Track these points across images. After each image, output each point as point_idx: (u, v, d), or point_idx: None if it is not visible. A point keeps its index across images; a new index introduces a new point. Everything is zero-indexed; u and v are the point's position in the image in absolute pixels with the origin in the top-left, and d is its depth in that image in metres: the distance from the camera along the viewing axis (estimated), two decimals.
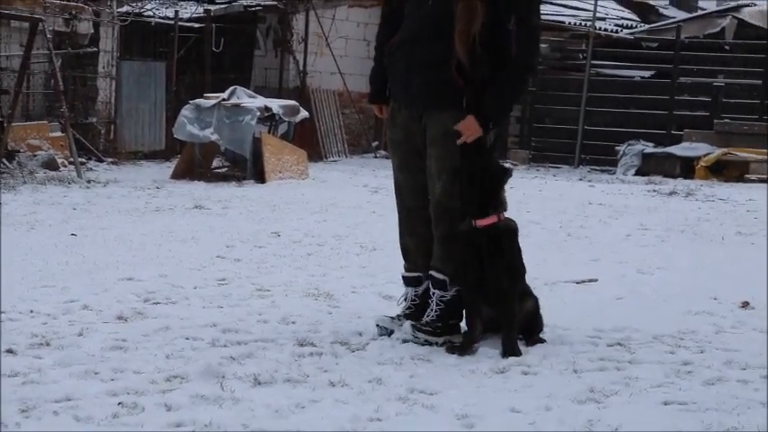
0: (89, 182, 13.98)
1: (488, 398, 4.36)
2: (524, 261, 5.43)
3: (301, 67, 21.43)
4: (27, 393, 4.14)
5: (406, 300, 5.61)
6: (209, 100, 15.54)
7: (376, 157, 21.43)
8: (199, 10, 20.70)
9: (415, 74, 5.34)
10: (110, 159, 17.41)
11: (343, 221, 10.60)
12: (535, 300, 5.52)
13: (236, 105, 15.29)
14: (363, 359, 4.97)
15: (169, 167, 16.39)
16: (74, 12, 17.84)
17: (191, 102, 15.68)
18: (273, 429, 3.88)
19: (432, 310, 5.40)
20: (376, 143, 22.38)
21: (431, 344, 5.25)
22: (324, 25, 21.71)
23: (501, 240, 5.27)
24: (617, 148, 20.26)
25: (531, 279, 7.34)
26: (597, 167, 20.66)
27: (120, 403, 4.06)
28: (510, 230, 5.34)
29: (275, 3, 21.23)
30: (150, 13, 20.13)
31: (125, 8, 19.55)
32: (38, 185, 13.32)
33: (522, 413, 4.16)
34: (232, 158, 15.68)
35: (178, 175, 15.28)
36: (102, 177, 14.75)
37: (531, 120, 22.76)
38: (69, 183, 13.82)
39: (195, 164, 15.43)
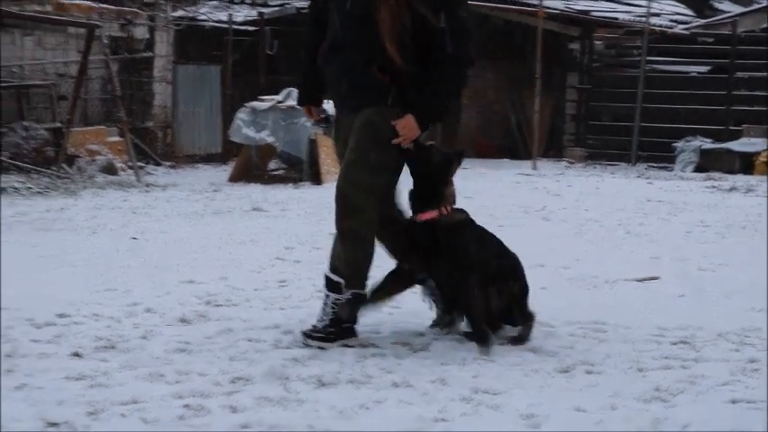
0: (148, 186, 14.11)
1: (553, 397, 4.33)
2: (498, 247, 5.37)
3: None
4: (94, 396, 4.18)
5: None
6: (265, 102, 15.61)
7: None
8: (252, 13, 20.80)
9: (342, 78, 5.30)
10: (167, 163, 17.56)
11: None
12: (520, 286, 5.39)
13: (292, 107, 15.32)
14: (426, 359, 4.96)
15: (226, 170, 16.49)
16: (129, 17, 18.02)
17: (246, 105, 15.77)
18: (338, 430, 3.88)
19: (325, 314, 5.23)
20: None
21: (325, 349, 5.09)
22: None
23: (440, 235, 5.18)
24: (674, 144, 20.10)
25: (591, 277, 7.36)
26: (655, 164, 20.50)
27: (186, 405, 4.08)
28: (452, 225, 5.24)
29: None
30: (204, 17, 20.26)
31: (180, 13, 19.69)
32: (98, 190, 13.47)
33: (587, 412, 4.13)
34: (288, 160, 15.74)
35: (235, 177, 15.38)
36: (160, 181, 14.88)
37: (586, 117, 22.63)
38: (128, 187, 13.96)
39: (252, 166, 15.52)
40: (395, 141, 5.15)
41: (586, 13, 22.78)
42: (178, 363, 4.75)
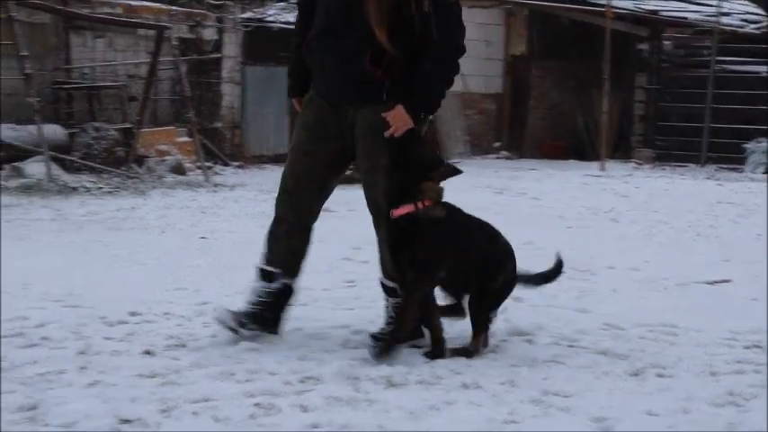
0: (216, 186, 14.22)
1: (624, 400, 4.30)
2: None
3: None
4: (166, 394, 4.21)
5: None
6: None
7: (499, 157, 21.33)
8: None
9: (333, 68, 5.07)
10: (235, 163, 17.68)
11: None
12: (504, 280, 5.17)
13: None
14: (495, 361, 4.95)
15: None
16: (198, 19, 18.17)
17: None
18: (408, 431, 3.88)
19: (390, 318, 5.23)
20: (498, 144, 22.30)
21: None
22: None
23: (411, 230, 4.91)
24: (745, 145, 19.84)
25: (661, 279, 7.29)
26: (725, 166, 20.26)
27: (256, 404, 4.10)
28: (428, 220, 4.94)
29: None
30: (272, 18, 20.36)
31: (248, 14, 19.81)
32: (167, 190, 13.60)
33: (659, 416, 4.10)
34: None
35: None
36: (228, 181, 14.99)
37: (655, 118, 22.43)
38: (197, 187, 14.08)
39: None
40: (387, 133, 4.92)
41: (655, 12, 22.57)
42: (248, 361, 4.77)
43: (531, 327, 5.61)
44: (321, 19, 5.13)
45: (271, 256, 5.35)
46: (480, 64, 22.19)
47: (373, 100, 5.01)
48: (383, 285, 5.31)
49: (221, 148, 18.09)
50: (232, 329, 5.18)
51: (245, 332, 5.17)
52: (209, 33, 18.51)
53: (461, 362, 4.89)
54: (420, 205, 4.95)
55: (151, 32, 16.35)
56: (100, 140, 15.16)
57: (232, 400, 4.15)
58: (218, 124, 18.59)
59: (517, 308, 6.04)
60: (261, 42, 19.37)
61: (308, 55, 5.21)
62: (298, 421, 3.94)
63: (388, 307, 5.27)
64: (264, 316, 5.26)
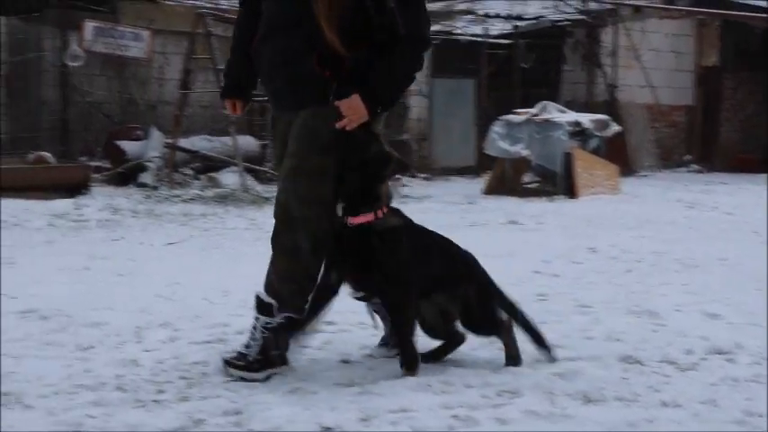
0: (404, 197, 14.34)
1: None
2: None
3: (610, 81, 21.19)
4: (365, 402, 4.27)
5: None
6: (520, 116, 15.63)
7: (689, 171, 20.89)
8: (507, 26, 20.88)
9: (277, 69, 4.71)
10: (423, 175, 17.81)
11: (659, 237, 10.39)
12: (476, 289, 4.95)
13: (547, 120, 15.31)
14: (694, 379, 4.83)
15: (480, 183, 16.58)
16: None
17: (501, 118, 15.83)
18: None
19: (253, 339, 4.71)
20: (688, 157, 21.84)
21: (247, 380, 4.61)
22: (633, 38, 21.41)
23: (373, 242, 4.58)
24: None
25: None
26: None
27: (454, 416, 4.12)
28: (387, 230, 4.62)
29: (583, 17, 21.12)
30: (460, 31, 20.46)
31: (436, 27, 19.95)
32: None
33: None
34: (542, 173, 15.71)
35: (490, 190, 15.45)
36: (416, 192, 15.11)
37: None
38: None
39: (506, 179, 15.54)
40: (339, 124, 4.53)
41: None
42: (443, 373, 4.79)
43: (729, 345, 5.47)
44: (266, 18, 4.78)
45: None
46: (670, 75, 21.84)
47: (316, 101, 4.62)
48: (258, 300, 4.77)
49: (408, 159, 18.25)
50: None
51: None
52: None
53: (658, 378, 4.80)
54: (380, 213, 4.62)
55: None
56: None
57: (430, 412, 4.17)
58: (406, 136, 18.77)
59: (714, 325, 5.91)
60: (448, 55, 19.47)
61: (255, 57, 4.85)
62: None
63: (255, 328, 4.76)
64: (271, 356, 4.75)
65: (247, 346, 4.73)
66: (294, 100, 4.69)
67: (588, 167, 15.19)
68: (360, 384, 4.58)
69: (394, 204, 4.75)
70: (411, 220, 4.81)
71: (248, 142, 15.68)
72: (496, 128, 15.61)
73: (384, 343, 5.17)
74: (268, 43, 4.74)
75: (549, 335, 5.65)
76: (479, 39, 19.93)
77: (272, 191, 13.91)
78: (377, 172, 4.62)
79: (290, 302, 4.68)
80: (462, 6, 21.52)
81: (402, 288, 4.66)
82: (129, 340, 5.50)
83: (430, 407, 4.24)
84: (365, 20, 4.59)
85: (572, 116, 15.93)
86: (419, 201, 14.08)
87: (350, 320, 5.94)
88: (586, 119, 15.99)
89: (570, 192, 14.85)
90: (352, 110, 4.53)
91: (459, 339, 5.08)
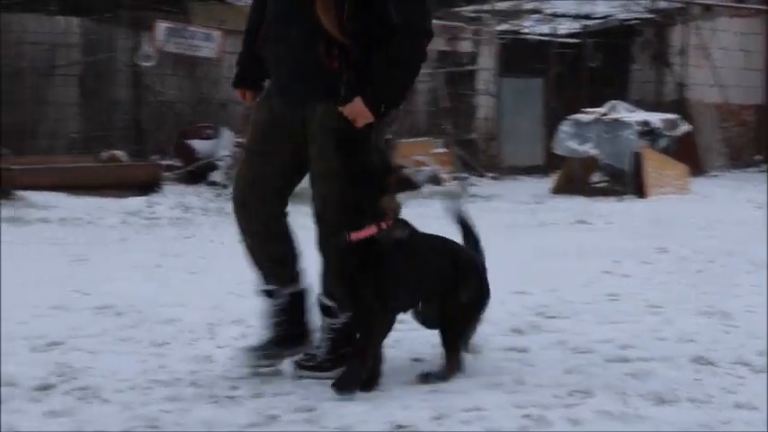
0: (472, 196, 14.35)
1: None
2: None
3: (679, 80, 21.01)
4: (437, 401, 4.28)
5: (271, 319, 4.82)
6: (588, 115, 15.56)
7: (759, 171, 20.64)
8: (575, 25, 20.78)
9: (284, 59, 4.59)
10: (490, 174, 17.79)
11: (730, 237, 10.29)
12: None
13: (616, 120, 15.23)
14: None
15: (548, 182, 16.52)
16: (455, 31, 18.39)
17: (569, 117, 15.77)
18: None
19: (322, 341, 4.74)
20: (758, 157, 21.58)
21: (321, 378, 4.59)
22: (702, 36, 21.20)
23: (372, 255, 4.40)
24: None
25: None
26: None
27: (526, 415, 4.12)
28: (391, 244, 4.44)
29: (652, 16, 20.96)
30: (528, 30, 20.40)
31: (504, 26, 19.92)
32: (423, 200, 13.78)
33: None
34: (611, 173, 15.61)
35: (558, 189, 15.39)
36: (484, 192, 15.11)
37: None
38: (453, 197, 14.21)
39: (574, 179, 15.48)
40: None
41: None
42: (515, 372, 4.80)
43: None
44: (272, 7, 4.68)
45: (261, 274, 4.84)
46: (739, 74, 21.60)
47: (328, 95, 4.50)
48: (321, 305, 4.78)
49: (476, 159, 18.24)
50: (266, 366, 4.77)
51: (285, 355, 4.77)
52: (465, 46, 18.71)
53: (731, 380, 4.75)
54: (383, 226, 4.43)
55: None
56: None
57: (501, 411, 4.18)
58: (473, 135, 18.76)
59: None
60: (516, 54, 19.44)
61: (262, 46, 4.76)
62: None
63: (324, 328, 4.79)
64: (289, 334, 4.81)
65: (317, 347, 4.79)
66: (301, 92, 4.59)
67: (658, 167, 15.08)
68: (431, 383, 4.59)
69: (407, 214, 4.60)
70: (416, 231, 4.61)
71: None
72: (565, 127, 15.55)
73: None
74: (273, 33, 4.65)
75: (619, 335, 5.65)
76: (547, 38, 19.86)
77: None
78: (379, 183, 4.42)
79: (346, 303, 4.66)
80: (530, 6, 21.45)
81: (385, 306, 4.48)
82: (203, 337, 5.57)
83: (502, 406, 4.25)
84: (363, 9, 4.42)
85: (641, 115, 15.83)
86: (487, 200, 14.07)
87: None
88: (656, 118, 15.88)
89: (639, 191, 14.75)
90: (356, 114, 4.42)
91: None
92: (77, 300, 6.48)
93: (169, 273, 7.90)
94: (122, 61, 17.01)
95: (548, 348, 5.33)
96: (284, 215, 4.79)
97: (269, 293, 4.82)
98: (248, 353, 4.80)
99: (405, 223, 4.54)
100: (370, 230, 4.40)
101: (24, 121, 15.26)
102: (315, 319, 4.86)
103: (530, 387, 4.56)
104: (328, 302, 4.73)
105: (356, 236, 4.41)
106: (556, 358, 5.12)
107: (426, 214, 11.92)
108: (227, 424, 4.01)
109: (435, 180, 15.64)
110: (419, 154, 16.34)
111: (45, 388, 4.50)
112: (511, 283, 7.36)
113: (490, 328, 5.79)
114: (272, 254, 4.77)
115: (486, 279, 4.89)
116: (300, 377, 4.70)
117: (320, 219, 4.62)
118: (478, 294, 4.82)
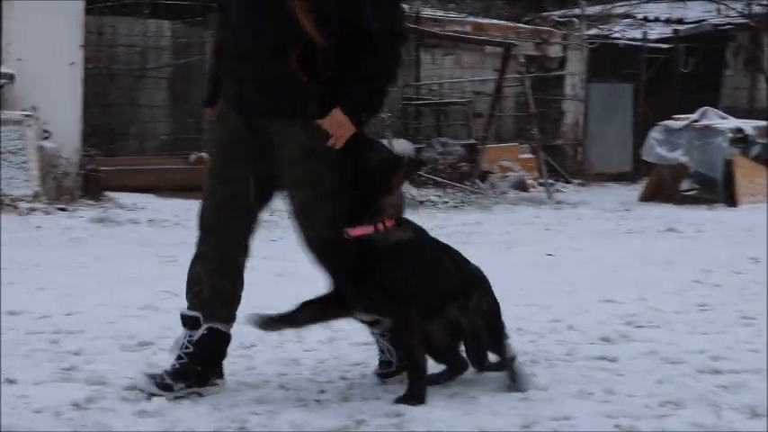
0: (558, 203, 14.26)
1: None
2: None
3: None
4: (526, 409, 4.25)
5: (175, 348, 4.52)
6: (679, 121, 15.36)
7: None
8: (666, 30, 20.52)
9: (248, 72, 4.28)
10: (577, 181, 17.65)
11: None
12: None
13: (707, 127, 15.01)
14: None
15: (636, 189, 16.34)
16: (545, 36, 18.28)
17: (659, 123, 15.58)
18: None
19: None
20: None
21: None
22: None
23: (371, 257, 4.27)
24: None
25: None
26: None
27: (617, 426, 4.07)
28: (388, 245, 4.30)
29: (746, 21, 20.62)
30: (618, 35, 20.19)
31: (593, 31, 19.74)
32: (509, 206, 13.75)
33: None
34: (701, 181, 15.38)
35: (646, 197, 15.21)
36: (570, 198, 14.98)
37: None
38: (539, 203, 14.16)
39: (664, 186, 15.28)
40: (329, 142, 4.21)
41: None
42: (605, 381, 4.74)
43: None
44: (234, 20, 4.33)
45: (193, 299, 4.53)
46: None
47: (299, 113, 4.25)
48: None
49: (563, 165, 18.10)
50: (156, 395, 4.34)
51: (173, 394, 4.35)
52: (554, 50, 18.60)
53: None
54: (380, 227, 4.30)
55: (497, 50, 16.60)
56: (446, 156, 15.57)
57: (592, 420, 4.13)
58: (561, 141, 18.63)
59: None
60: (606, 59, 19.24)
61: (217, 58, 4.52)
62: None
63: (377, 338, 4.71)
64: (190, 371, 4.43)
65: (382, 351, 4.72)
66: (267, 105, 4.30)
67: (749, 175, 14.82)
68: (521, 391, 4.55)
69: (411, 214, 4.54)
70: (422, 232, 4.49)
71: (403, 145, 15.77)
72: (655, 134, 15.36)
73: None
74: (232, 43, 4.35)
75: (711, 346, 5.56)
76: (638, 43, 19.63)
77: (426, 194, 13.98)
78: (382, 180, 4.31)
79: (350, 302, 4.49)
80: (621, 10, 21.24)
81: (406, 306, 4.33)
82: (290, 340, 5.58)
83: (592, 415, 4.20)
84: (340, 12, 4.21)
85: (733, 122, 15.57)
86: (574, 207, 13.95)
87: (508, 325, 5.90)
88: (748, 125, 15.61)
89: (730, 200, 14.51)
90: (337, 126, 4.22)
91: (462, 366, 4.69)
92: (167, 300, 6.53)
93: (257, 275, 7.93)
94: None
95: (638, 358, 5.26)
96: (246, 249, 4.62)
97: (191, 322, 4.51)
98: (145, 377, 4.42)
99: (409, 224, 4.42)
100: (366, 229, 4.28)
101: (115, 123, 15.47)
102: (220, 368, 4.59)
103: (620, 397, 4.51)
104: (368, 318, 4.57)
105: (353, 233, 4.30)
106: (646, 368, 5.05)
107: (515, 220, 11.98)
108: (316, 427, 4.02)
109: (521, 186, 15.56)
110: (506, 159, 16.28)
111: (136, 387, 4.52)
112: (599, 291, 7.31)
113: (578, 337, 5.76)
114: (218, 288, 4.52)
115: (491, 287, 4.66)
116: (179, 390, 4.38)
117: (311, 242, 4.48)
118: (493, 300, 4.64)
